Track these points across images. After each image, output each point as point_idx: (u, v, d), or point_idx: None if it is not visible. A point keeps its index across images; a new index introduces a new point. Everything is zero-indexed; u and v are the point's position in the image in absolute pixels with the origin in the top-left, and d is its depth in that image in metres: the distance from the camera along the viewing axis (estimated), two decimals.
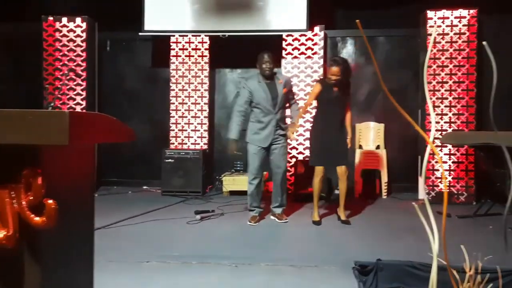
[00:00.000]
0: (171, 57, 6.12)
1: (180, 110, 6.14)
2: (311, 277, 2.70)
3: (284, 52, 5.90)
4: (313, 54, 5.87)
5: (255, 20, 5.90)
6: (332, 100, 4.07)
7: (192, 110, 6.14)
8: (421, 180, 5.49)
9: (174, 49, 6.13)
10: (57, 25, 5.93)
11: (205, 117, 6.14)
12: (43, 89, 5.88)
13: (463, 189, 5.34)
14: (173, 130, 6.14)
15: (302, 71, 5.91)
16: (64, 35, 5.93)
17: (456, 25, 5.43)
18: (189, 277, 2.68)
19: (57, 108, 5.61)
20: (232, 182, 5.75)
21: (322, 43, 5.87)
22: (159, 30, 6.03)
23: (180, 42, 6.13)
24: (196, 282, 2.61)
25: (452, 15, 5.44)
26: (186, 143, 6.12)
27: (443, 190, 5.36)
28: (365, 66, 6.18)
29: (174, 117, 6.14)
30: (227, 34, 5.91)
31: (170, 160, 5.67)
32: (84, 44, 5.92)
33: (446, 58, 5.43)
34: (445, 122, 5.43)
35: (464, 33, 5.40)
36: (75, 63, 5.90)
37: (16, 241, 1.14)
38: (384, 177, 5.62)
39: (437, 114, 5.42)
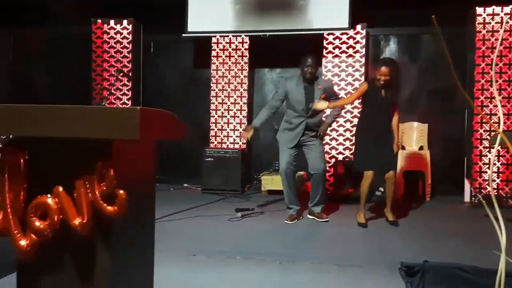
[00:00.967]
0: (212, 58, 6.23)
1: (220, 110, 6.24)
2: (356, 277, 2.69)
3: (325, 51, 5.88)
4: (354, 52, 5.82)
5: (296, 19, 5.91)
6: (379, 104, 3.99)
7: (232, 110, 6.22)
8: (466, 183, 5.33)
9: (215, 49, 6.24)
10: (105, 27, 6.19)
11: (244, 116, 6.21)
12: (92, 89, 6.14)
13: None
14: (213, 129, 6.25)
15: (343, 69, 5.87)
16: (112, 37, 6.18)
17: (507, 22, 5.22)
18: (234, 272, 2.74)
19: None
20: (271, 181, 5.79)
21: (364, 41, 5.80)
22: (201, 31, 6.15)
23: (221, 43, 6.23)
24: (242, 277, 2.67)
25: (502, 11, 5.25)
26: (225, 142, 6.22)
27: (490, 192, 5.19)
28: (409, 65, 6.07)
29: (214, 116, 6.25)
30: (268, 34, 5.96)
31: (210, 159, 5.78)
32: (130, 46, 6.15)
33: (495, 56, 5.24)
34: (494, 122, 5.24)
35: None
36: (121, 64, 6.13)
37: (90, 228, 1.22)
38: (428, 179, 5.50)
39: (486, 114, 5.24)
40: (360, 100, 4.35)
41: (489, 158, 5.17)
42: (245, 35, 6.15)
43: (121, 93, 6.15)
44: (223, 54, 6.23)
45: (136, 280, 1.43)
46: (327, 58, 5.89)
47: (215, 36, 6.20)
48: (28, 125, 1.19)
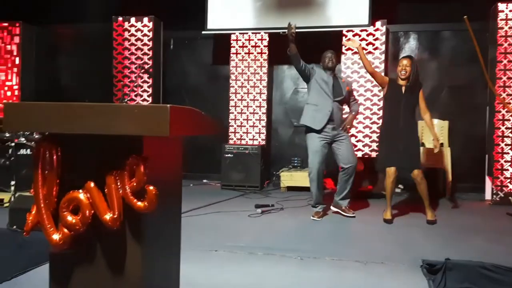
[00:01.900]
0: (231, 55, 6.25)
1: (239, 106, 6.27)
2: (377, 273, 2.69)
3: (344, 48, 5.85)
4: (374, 49, 5.77)
5: (316, 16, 5.89)
6: (400, 100, 4.00)
7: (251, 107, 6.24)
8: (488, 181, 5.26)
9: (234, 46, 6.26)
10: (126, 25, 6.27)
11: (263, 113, 6.22)
12: (113, 85, 6.24)
13: None
14: (232, 126, 6.28)
15: (362, 67, 5.80)
16: (132, 34, 6.26)
17: None
18: (256, 267, 2.77)
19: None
20: (290, 177, 5.80)
21: (383, 38, 5.75)
22: (221, 29, 6.18)
23: (240, 40, 6.24)
24: (264, 272, 2.69)
25: None
26: (244, 139, 6.24)
27: None
28: (429, 61, 6.00)
29: (233, 113, 6.28)
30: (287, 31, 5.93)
31: (229, 155, 5.82)
32: (150, 43, 6.22)
33: None
34: None
35: None
36: (142, 61, 6.20)
37: (121, 223, 1.25)
38: (448, 176, 5.43)
39: (507, 111, 5.16)
40: (383, 99, 4.35)
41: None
42: (264, 32, 6.15)
43: (141, 89, 6.23)
44: (242, 51, 6.25)
45: (165, 272, 1.46)
46: (346, 55, 5.86)
47: (234, 33, 6.22)
48: (62, 122, 1.22)
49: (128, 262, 1.29)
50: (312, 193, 4.28)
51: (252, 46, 6.23)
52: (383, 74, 5.60)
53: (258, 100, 6.23)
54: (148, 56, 6.22)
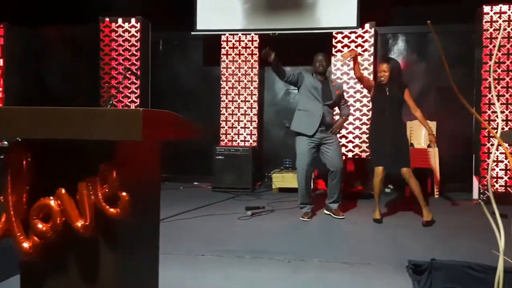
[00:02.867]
0: (221, 56, 6.24)
1: (230, 107, 6.25)
2: (363, 275, 2.69)
3: (334, 50, 5.86)
4: (363, 51, 5.78)
5: (305, 18, 5.89)
6: (385, 101, 4.07)
7: (242, 108, 6.23)
8: (475, 180, 5.28)
9: (224, 47, 6.24)
10: (113, 25, 6.22)
11: (254, 114, 6.21)
12: (99, 87, 6.19)
13: None
14: (223, 127, 6.26)
15: (352, 68, 5.82)
16: (120, 35, 6.21)
17: None
18: (243, 271, 2.75)
19: (113, 106, 5.87)
20: (281, 179, 5.79)
21: (372, 40, 5.77)
22: (210, 30, 6.16)
23: (231, 41, 6.23)
24: (250, 276, 2.68)
25: (509, 9, 5.20)
26: (235, 140, 6.23)
27: (499, 190, 5.13)
28: (417, 63, 6.02)
29: (224, 114, 6.26)
30: (277, 32, 5.95)
31: (220, 157, 5.80)
32: (138, 44, 6.17)
33: (502, 54, 5.20)
34: (502, 120, 5.19)
35: None
36: (129, 62, 6.16)
37: (93, 230, 1.23)
38: (436, 176, 5.46)
39: (492, 112, 5.22)
40: (370, 101, 4.42)
41: (496, 156, 5.10)
42: (255, 33, 6.14)
43: (129, 91, 6.19)
44: (233, 52, 6.23)
45: (142, 279, 1.44)
46: (337, 57, 5.86)
47: (225, 34, 6.21)
48: (31, 127, 1.19)
49: (102, 270, 1.26)
50: (298, 194, 4.29)
51: (242, 47, 6.22)
52: (372, 76, 5.62)
53: (249, 101, 6.22)
54: (136, 57, 6.17)
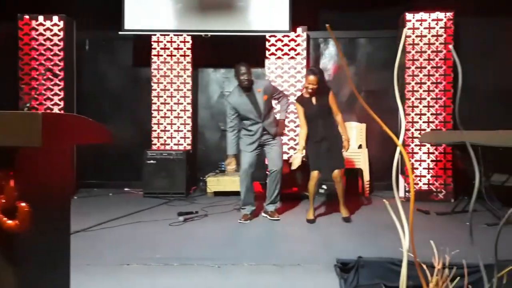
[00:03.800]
0: (152, 57, 6.06)
1: (162, 110, 6.09)
2: (293, 276, 2.71)
3: (267, 53, 5.91)
4: (296, 55, 5.90)
5: (237, 20, 5.89)
6: (314, 111, 4.22)
7: (175, 110, 6.09)
8: (401, 179, 5.58)
9: (155, 48, 6.07)
10: (33, 23, 5.80)
11: (188, 117, 6.10)
12: (19, 89, 5.75)
13: (442, 186, 5.44)
14: (155, 130, 6.08)
15: (286, 71, 5.92)
16: (41, 34, 5.80)
17: (434, 27, 5.53)
18: (170, 279, 2.66)
19: (34, 109, 5.48)
20: (217, 182, 5.73)
21: (305, 44, 5.90)
22: (140, 29, 5.96)
23: (162, 41, 6.08)
24: (178, 284, 2.60)
25: (429, 17, 5.55)
26: (168, 144, 6.07)
27: (422, 188, 5.45)
28: (347, 67, 6.24)
29: (156, 117, 6.08)
30: (209, 34, 5.89)
31: (152, 161, 5.62)
32: (61, 43, 5.80)
33: (424, 60, 5.54)
34: (423, 122, 5.53)
35: (441, 35, 5.51)
36: (52, 63, 5.77)
37: None
38: (366, 176, 5.68)
39: (416, 114, 5.54)
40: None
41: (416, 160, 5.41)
42: (187, 34, 6.04)
43: (52, 93, 5.80)
44: (164, 53, 6.08)
45: None
46: (270, 60, 5.92)
47: (155, 35, 6.04)
48: None
49: (1, 286, 1.15)
50: (241, 194, 4.30)
51: (174, 48, 6.09)
52: (304, 79, 5.74)
53: (182, 103, 6.10)
54: (60, 57, 5.79)
